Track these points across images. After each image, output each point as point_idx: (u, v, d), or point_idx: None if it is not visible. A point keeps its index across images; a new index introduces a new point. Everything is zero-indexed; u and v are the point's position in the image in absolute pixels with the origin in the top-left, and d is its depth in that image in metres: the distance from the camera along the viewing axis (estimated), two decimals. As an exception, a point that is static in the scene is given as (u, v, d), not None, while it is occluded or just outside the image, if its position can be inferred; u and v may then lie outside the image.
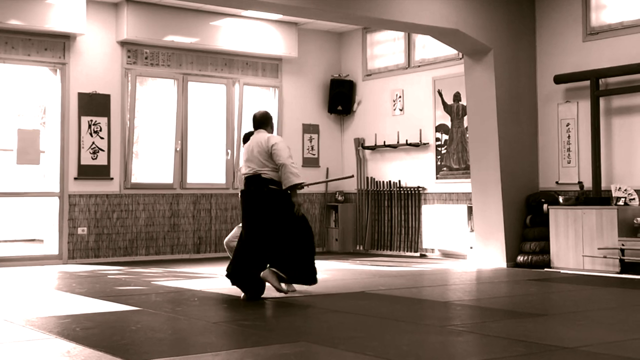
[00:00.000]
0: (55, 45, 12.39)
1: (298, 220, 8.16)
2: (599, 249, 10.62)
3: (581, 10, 11.53)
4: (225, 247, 9.21)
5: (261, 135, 8.27)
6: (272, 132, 8.47)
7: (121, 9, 12.77)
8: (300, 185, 8.15)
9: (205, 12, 13.24)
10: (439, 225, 13.07)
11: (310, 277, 8.19)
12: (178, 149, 13.36)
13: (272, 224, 8.09)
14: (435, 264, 12.13)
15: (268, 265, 8.07)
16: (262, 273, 8.01)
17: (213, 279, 10.13)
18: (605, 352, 5.48)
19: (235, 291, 8.53)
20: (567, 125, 11.69)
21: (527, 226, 11.72)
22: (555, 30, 11.87)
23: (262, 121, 8.45)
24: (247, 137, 8.82)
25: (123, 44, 12.94)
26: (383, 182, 14.26)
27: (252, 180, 8.15)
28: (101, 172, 12.66)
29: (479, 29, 11.54)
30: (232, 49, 13.64)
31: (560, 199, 11.33)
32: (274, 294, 8.25)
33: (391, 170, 14.17)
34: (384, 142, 14.17)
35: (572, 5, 11.62)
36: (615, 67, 10.97)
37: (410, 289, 9.18)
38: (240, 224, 8.65)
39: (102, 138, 12.65)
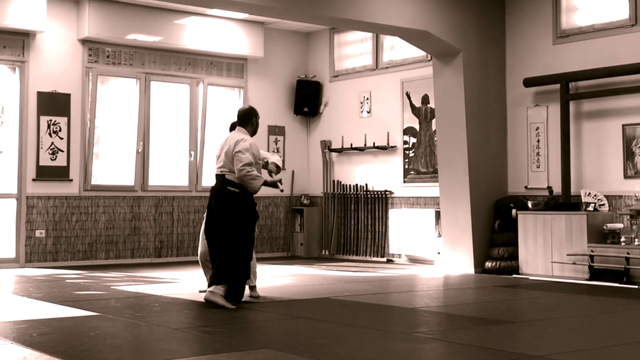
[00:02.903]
0: (14, 42, 12.24)
1: (243, 229, 8.01)
2: (568, 255, 10.59)
3: (551, 13, 11.51)
4: (201, 261, 8.83)
5: (235, 135, 8.17)
6: (252, 131, 8.30)
7: (82, 6, 12.63)
8: (270, 183, 8.23)
9: (169, 10, 13.12)
10: (406, 230, 12.98)
11: (233, 294, 7.94)
12: (140, 150, 13.22)
13: (222, 225, 8.04)
14: (402, 270, 12.09)
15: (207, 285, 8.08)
16: (204, 296, 7.98)
17: (175, 283, 10.13)
18: None
19: (198, 296, 8.54)
20: (536, 129, 11.66)
21: (496, 231, 11.69)
22: (525, 32, 11.85)
23: (242, 118, 8.30)
24: (232, 128, 8.71)
25: (84, 42, 12.80)
26: (350, 185, 14.16)
27: (218, 180, 8.14)
28: (60, 174, 12.52)
29: (449, 31, 11.49)
30: (196, 48, 13.57)
31: (529, 204, 11.30)
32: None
33: (358, 173, 14.09)
34: (351, 144, 14.08)
35: (543, 7, 11.60)
36: (586, 71, 10.96)
37: (376, 295, 9.18)
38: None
39: (61, 138, 12.51)
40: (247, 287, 8.30)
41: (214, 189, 8.22)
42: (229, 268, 7.87)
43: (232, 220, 7.98)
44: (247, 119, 8.28)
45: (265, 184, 8.15)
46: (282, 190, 8.74)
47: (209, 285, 7.99)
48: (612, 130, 10.85)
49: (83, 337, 6.29)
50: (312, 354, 5.61)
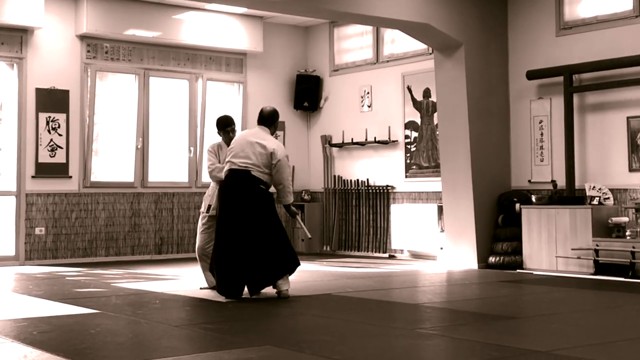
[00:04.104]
0: (12, 39, 12.20)
1: (278, 224, 8.22)
2: (572, 249, 10.55)
3: (554, 5, 11.45)
4: (198, 256, 8.89)
5: (263, 135, 8.28)
6: (272, 132, 8.48)
7: (80, 2, 12.57)
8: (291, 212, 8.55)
9: (167, 5, 13.08)
10: (408, 225, 12.90)
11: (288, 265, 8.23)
12: (139, 147, 13.18)
13: (257, 223, 8.05)
14: (405, 265, 12.05)
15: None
16: (283, 294, 8.13)
17: (175, 280, 10.12)
18: (579, 355, 5.42)
19: (198, 293, 8.57)
20: (539, 123, 11.59)
21: (499, 226, 11.63)
22: (528, 24, 11.78)
23: (269, 119, 8.45)
24: (223, 123, 8.87)
25: (82, 38, 12.75)
26: (351, 180, 14.09)
27: (241, 175, 8.05)
28: (59, 170, 12.49)
29: (450, 24, 11.42)
30: (195, 44, 13.51)
31: (533, 198, 11.25)
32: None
33: (359, 168, 14.01)
34: (352, 139, 14.01)
35: (545, -1, 11.57)
36: (589, 63, 10.91)
37: (378, 291, 9.13)
38: (203, 227, 8.72)
39: (60, 135, 12.48)
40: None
41: (238, 184, 8.11)
42: (286, 257, 8.11)
43: (272, 218, 8.16)
44: (272, 120, 8.48)
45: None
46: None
47: (265, 282, 8.10)
48: (616, 122, 10.80)
49: (84, 335, 6.27)
50: (314, 350, 5.58)
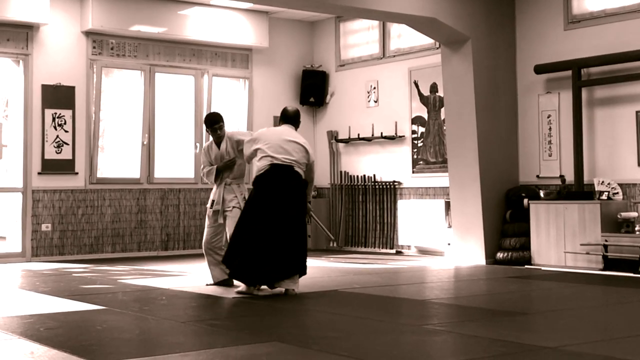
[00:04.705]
0: (17, 35, 12.19)
1: (305, 224, 8.44)
2: (581, 245, 10.52)
3: (562, -2, 11.43)
4: (205, 250, 8.90)
5: (295, 134, 8.51)
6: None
7: (86, -2, 12.59)
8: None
9: (172, 1, 13.07)
10: (415, 221, 12.86)
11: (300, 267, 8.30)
12: (145, 143, 13.18)
13: (292, 218, 8.17)
14: (412, 261, 12.02)
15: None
16: (289, 291, 8.13)
17: (182, 276, 10.13)
18: (588, 351, 5.41)
19: (205, 289, 8.56)
20: (548, 117, 11.54)
21: (507, 222, 11.60)
22: (535, 18, 11.74)
23: (295, 118, 8.67)
24: (210, 121, 8.92)
25: (88, 34, 12.74)
26: (357, 176, 14.05)
27: (285, 170, 8.17)
28: (66, 167, 12.49)
29: (457, 18, 11.39)
30: (200, 39, 13.49)
31: (541, 194, 11.21)
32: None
33: (366, 164, 13.97)
34: (358, 135, 13.96)
35: (553, -8, 11.53)
36: (598, 57, 10.87)
37: (385, 287, 9.13)
38: (210, 223, 8.79)
39: (66, 131, 12.48)
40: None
41: (282, 178, 8.18)
42: (303, 258, 8.23)
43: (303, 217, 8.33)
44: (298, 119, 8.70)
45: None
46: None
47: (281, 276, 8.06)
48: (625, 117, 10.76)
49: (90, 331, 6.28)
50: (321, 347, 5.57)
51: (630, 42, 10.59)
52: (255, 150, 8.27)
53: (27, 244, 12.18)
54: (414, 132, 13.17)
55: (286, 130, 8.46)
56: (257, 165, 8.23)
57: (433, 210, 12.57)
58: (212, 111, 9.47)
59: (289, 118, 8.59)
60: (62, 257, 12.35)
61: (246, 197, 8.64)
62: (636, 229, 10.15)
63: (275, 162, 8.14)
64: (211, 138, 9.06)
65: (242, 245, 8.06)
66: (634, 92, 10.67)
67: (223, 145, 8.89)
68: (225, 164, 8.87)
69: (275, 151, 8.18)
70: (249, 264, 7.99)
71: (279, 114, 14.12)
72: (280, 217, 8.05)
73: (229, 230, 8.58)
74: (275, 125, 14.31)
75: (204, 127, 9.17)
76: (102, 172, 12.87)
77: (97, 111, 12.72)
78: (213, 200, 8.83)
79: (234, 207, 8.71)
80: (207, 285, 8.83)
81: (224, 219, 8.78)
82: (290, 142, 8.29)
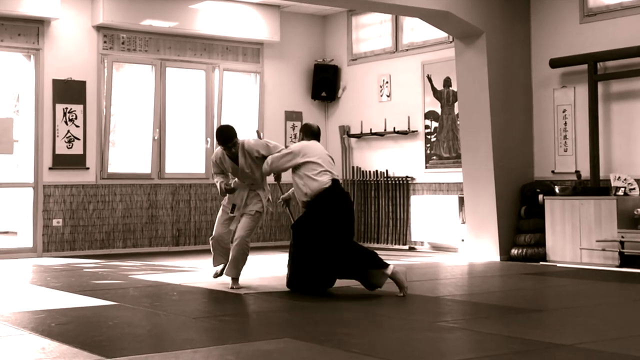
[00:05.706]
0: (28, 30, 12.20)
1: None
2: (597, 241, 10.45)
3: (578, -9, 11.35)
4: (212, 245, 8.71)
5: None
6: None
7: (96, -8, 12.59)
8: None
9: (184, -6, 13.08)
10: (428, 216, 12.80)
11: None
12: (156, 138, 13.17)
13: (348, 227, 8.42)
14: (425, 258, 11.98)
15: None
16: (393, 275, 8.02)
17: (193, 272, 10.14)
18: (604, 349, 5.40)
19: (216, 285, 8.57)
20: (563, 112, 11.47)
21: (522, 217, 11.55)
22: (550, 11, 11.65)
23: (320, 134, 8.68)
24: (224, 139, 8.39)
25: (99, 28, 12.73)
26: (370, 171, 14.01)
27: (337, 184, 8.31)
28: (77, 162, 12.50)
29: (471, 11, 11.32)
30: (211, 34, 13.46)
31: (557, 189, 11.13)
32: (257, 287, 8.23)
33: (378, 159, 13.92)
34: (371, 129, 13.90)
35: (568, -15, 11.45)
36: (614, 50, 10.78)
37: None
38: (224, 220, 8.58)
39: (77, 126, 12.48)
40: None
41: (342, 193, 8.39)
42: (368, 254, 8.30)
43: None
44: (320, 135, 8.69)
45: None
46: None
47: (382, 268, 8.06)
48: (642, 111, 10.70)
49: (102, 327, 6.32)
50: (334, 343, 5.56)
51: (646, 36, 10.53)
52: (299, 164, 8.15)
53: (39, 239, 12.19)
54: (427, 127, 13.10)
55: (321, 146, 8.50)
56: (318, 180, 8.10)
57: (446, 206, 12.50)
58: (222, 125, 8.96)
59: (315, 134, 8.58)
60: (73, 252, 12.36)
61: (270, 200, 8.74)
62: (653, 225, 10.09)
63: (334, 177, 8.24)
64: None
65: (318, 261, 8.10)
66: (651, 86, 10.61)
67: (241, 160, 8.39)
68: (230, 189, 8.51)
69: (329, 166, 8.28)
70: (323, 277, 8.14)
71: (290, 109, 14.38)
72: (347, 229, 8.31)
73: (240, 228, 8.40)
74: (287, 121, 14.39)
75: (216, 142, 8.71)
76: (113, 167, 12.87)
77: (108, 106, 12.73)
78: (234, 205, 8.47)
79: (256, 211, 8.45)
80: (214, 276, 8.74)
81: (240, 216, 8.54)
82: (324, 154, 8.37)
